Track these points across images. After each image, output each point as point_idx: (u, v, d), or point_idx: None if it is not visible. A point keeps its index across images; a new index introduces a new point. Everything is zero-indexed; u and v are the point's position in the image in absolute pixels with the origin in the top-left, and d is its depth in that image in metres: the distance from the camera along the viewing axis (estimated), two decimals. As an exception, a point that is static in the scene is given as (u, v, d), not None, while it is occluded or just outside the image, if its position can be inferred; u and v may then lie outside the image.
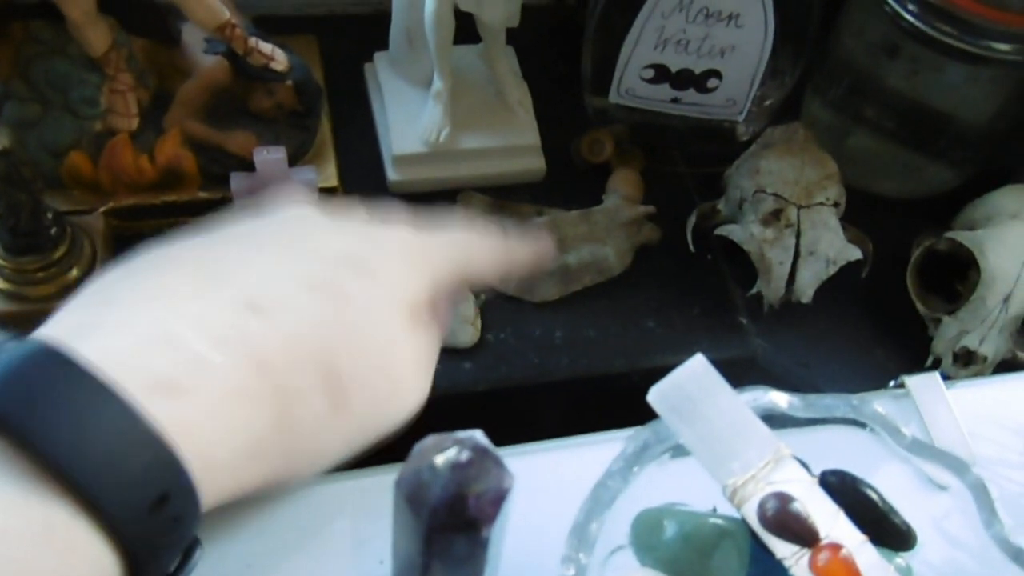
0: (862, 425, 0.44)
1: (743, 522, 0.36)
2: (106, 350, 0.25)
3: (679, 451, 0.39)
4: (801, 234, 0.60)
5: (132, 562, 0.24)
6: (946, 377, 0.53)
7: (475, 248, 0.36)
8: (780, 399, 0.40)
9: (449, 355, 0.58)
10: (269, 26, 0.63)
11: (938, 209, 0.67)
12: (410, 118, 0.65)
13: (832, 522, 0.34)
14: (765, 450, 0.36)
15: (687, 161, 0.70)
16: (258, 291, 0.29)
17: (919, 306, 0.62)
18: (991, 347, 0.57)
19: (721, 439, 0.36)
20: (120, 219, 0.58)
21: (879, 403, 0.43)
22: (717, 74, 0.64)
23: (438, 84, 0.64)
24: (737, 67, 0.63)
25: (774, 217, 0.60)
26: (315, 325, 0.29)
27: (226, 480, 0.27)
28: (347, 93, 0.68)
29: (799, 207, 0.60)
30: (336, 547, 0.43)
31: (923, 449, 0.41)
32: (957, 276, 0.62)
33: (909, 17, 0.60)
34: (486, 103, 0.67)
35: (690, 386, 0.36)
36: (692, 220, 0.64)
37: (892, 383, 0.52)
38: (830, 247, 0.60)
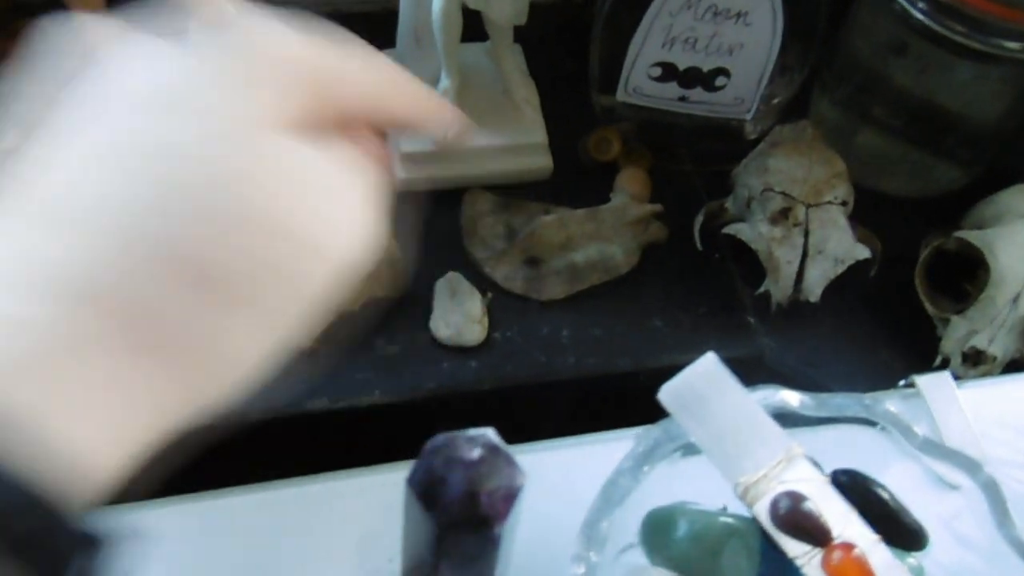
0: (870, 424, 0.44)
1: (754, 521, 0.36)
2: None
3: (689, 450, 0.39)
4: (809, 233, 0.60)
5: None
6: (955, 377, 0.53)
7: (375, 77, 0.28)
8: (791, 398, 0.40)
9: (455, 353, 0.58)
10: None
11: (946, 208, 0.66)
12: (417, 116, 0.65)
13: (845, 521, 0.34)
14: (777, 449, 0.35)
15: (694, 160, 0.69)
16: (66, 195, 0.22)
17: (927, 306, 0.61)
18: (1000, 347, 0.57)
19: (732, 437, 0.36)
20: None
21: (889, 403, 0.43)
22: (725, 72, 0.64)
23: (445, 82, 0.63)
24: (745, 65, 0.63)
25: (782, 216, 0.60)
26: (148, 214, 0.22)
27: (111, 459, 0.22)
28: (354, 91, 0.68)
29: (807, 206, 0.60)
30: (345, 544, 0.43)
31: (935, 449, 0.41)
32: (965, 276, 0.62)
33: (918, 15, 0.59)
34: (493, 101, 0.66)
35: (701, 384, 0.36)
36: (700, 219, 0.64)
37: (902, 383, 0.52)
38: (839, 246, 0.60)
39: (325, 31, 0.27)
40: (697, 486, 0.39)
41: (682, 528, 0.38)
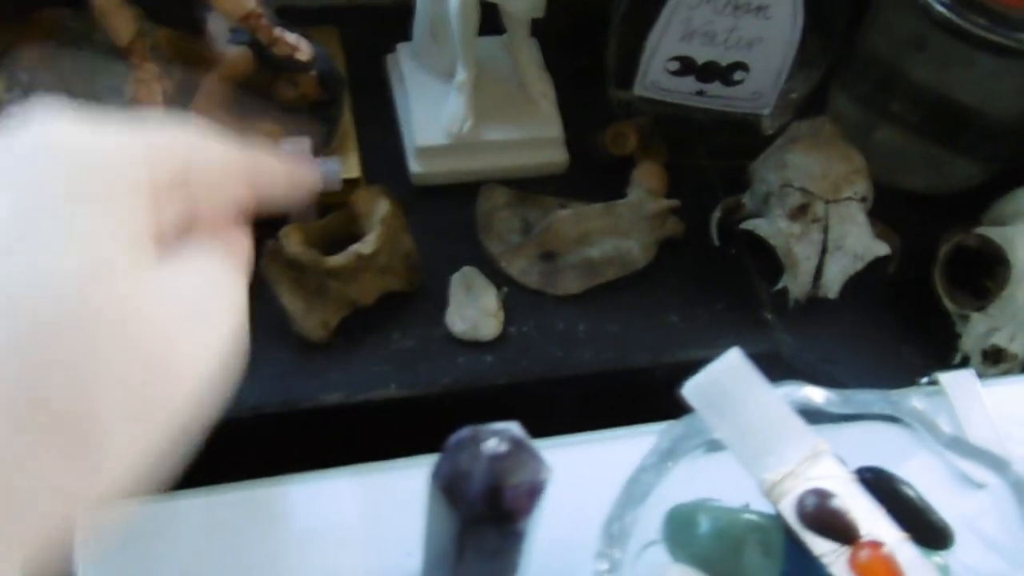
0: (891, 421, 0.44)
1: (777, 518, 0.36)
2: None
3: (712, 446, 0.38)
4: (828, 229, 0.59)
5: None
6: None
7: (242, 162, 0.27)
8: (816, 394, 0.39)
9: (471, 348, 0.58)
10: (290, 17, 0.62)
11: (965, 204, 0.66)
12: (433, 109, 0.64)
13: (871, 519, 0.34)
14: (803, 445, 0.35)
15: (711, 154, 0.69)
16: None
17: (946, 302, 0.61)
18: (1021, 345, 0.56)
19: (757, 434, 0.35)
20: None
21: (913, 400, 0.42)
22: (744, 66, 0.63)
23: (462, 75, 0.63)
24: (764, 59, 0.63)
25: (801, 212, 0.59)
26: None
27: None
28: (368, 84, 0.68)
29: (826, 202, 0.59)
30: (364, 539, 0.43)
31: (962, 446, 0.41)
32: (985, 272, 0.61)
33: (940, 8, 0.59)
34: (509, 95, 0.66)
35: (726, 380, 0.36)
36: (717, 214, 0.64)
37: (925, 380, 0.51)
38: (857, 242, 0.59)
39: (160, 123, 0.26)
40: (720, 483, 0.38)
41: (705, 525, 0.38)
